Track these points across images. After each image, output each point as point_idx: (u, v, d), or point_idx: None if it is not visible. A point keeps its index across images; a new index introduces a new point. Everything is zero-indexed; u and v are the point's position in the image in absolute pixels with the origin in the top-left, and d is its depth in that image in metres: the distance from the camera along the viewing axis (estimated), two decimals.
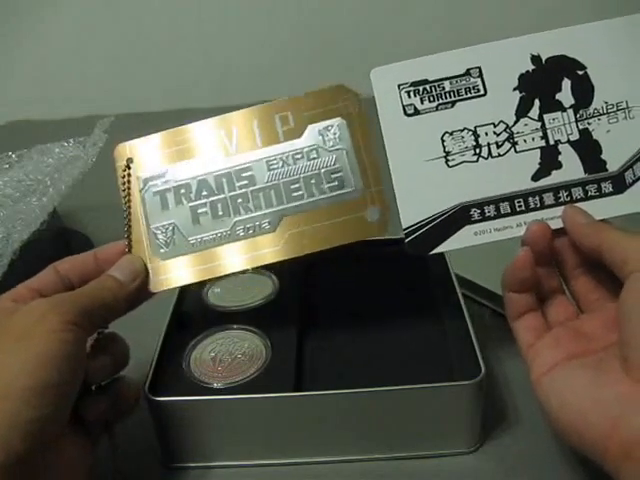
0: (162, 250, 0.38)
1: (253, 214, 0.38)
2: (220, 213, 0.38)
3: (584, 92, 0.37)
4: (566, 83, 0.37)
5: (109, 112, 0.56)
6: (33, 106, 0.90)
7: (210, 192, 0.38)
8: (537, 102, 0.37)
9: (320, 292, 0.47)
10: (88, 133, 0.52)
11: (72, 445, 0.33)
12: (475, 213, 0.37)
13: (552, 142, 0.37)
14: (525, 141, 0.37)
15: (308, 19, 0.90)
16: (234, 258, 0.38)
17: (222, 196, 0.38)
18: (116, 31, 0.91)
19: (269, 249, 0.38)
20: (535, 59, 0.37)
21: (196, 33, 0.90)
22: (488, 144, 0.37)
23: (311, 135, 0.38)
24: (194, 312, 0.44)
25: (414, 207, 0.37)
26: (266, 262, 0.38)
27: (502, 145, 0.37)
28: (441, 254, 0.47)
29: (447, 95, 0.37)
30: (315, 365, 0.41)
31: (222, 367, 0.40)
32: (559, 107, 0.37)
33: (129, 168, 0.39)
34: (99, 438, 0.36)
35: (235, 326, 0.43)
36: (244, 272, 0.43)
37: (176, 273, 0.38)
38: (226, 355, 0.40)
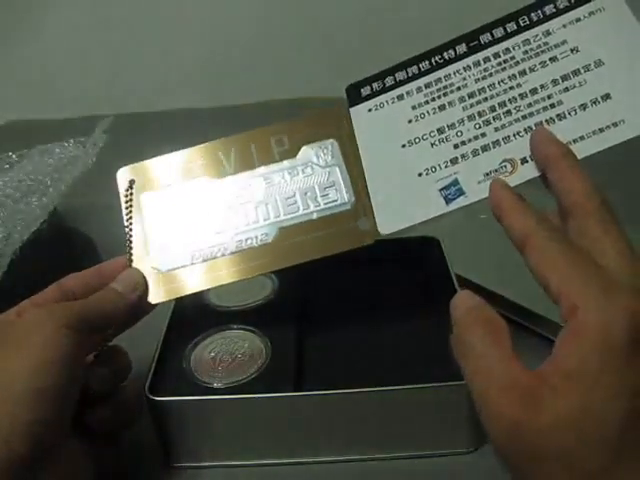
0: (162, 262, 0.39)
1: (251, 226, 0.39)
2: (220, 227, 0.39)
3: None
4: None
5: (109, 112, 0.56)
6: (33, 106, 0.90)
7: (211, 207, 0.40)
8: None
9: (320, 292, 0.47)
10: (88, 133, 0.52)
11: (75, 452, 0.33)
12: None
13: None
14: None
15: (307, 20, 0.90)
16: (233, 268, 0.39)
17: (222, 211, 0.39)
18: (116, 31, 0.90)
19: (266, 259, 0.39)
20: None
21: (196, 33, 0.90)
22: None
23: (305, 154, 0.40)
24: (194, 312, 0.44)
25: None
26: (264, 271, 0.39)
27: None
28: (442, 254, 0.47)
29: None
30: (315, 365, 0.41)
31: (222, 367, 0.40)
32: None
33: (132, 188, 0.40)
34: (103, 447, 0.36)
35: (235, 326, 0.43)
36: None
37: (176, 284, 0.38)
38: (226, 355, 0.41)
